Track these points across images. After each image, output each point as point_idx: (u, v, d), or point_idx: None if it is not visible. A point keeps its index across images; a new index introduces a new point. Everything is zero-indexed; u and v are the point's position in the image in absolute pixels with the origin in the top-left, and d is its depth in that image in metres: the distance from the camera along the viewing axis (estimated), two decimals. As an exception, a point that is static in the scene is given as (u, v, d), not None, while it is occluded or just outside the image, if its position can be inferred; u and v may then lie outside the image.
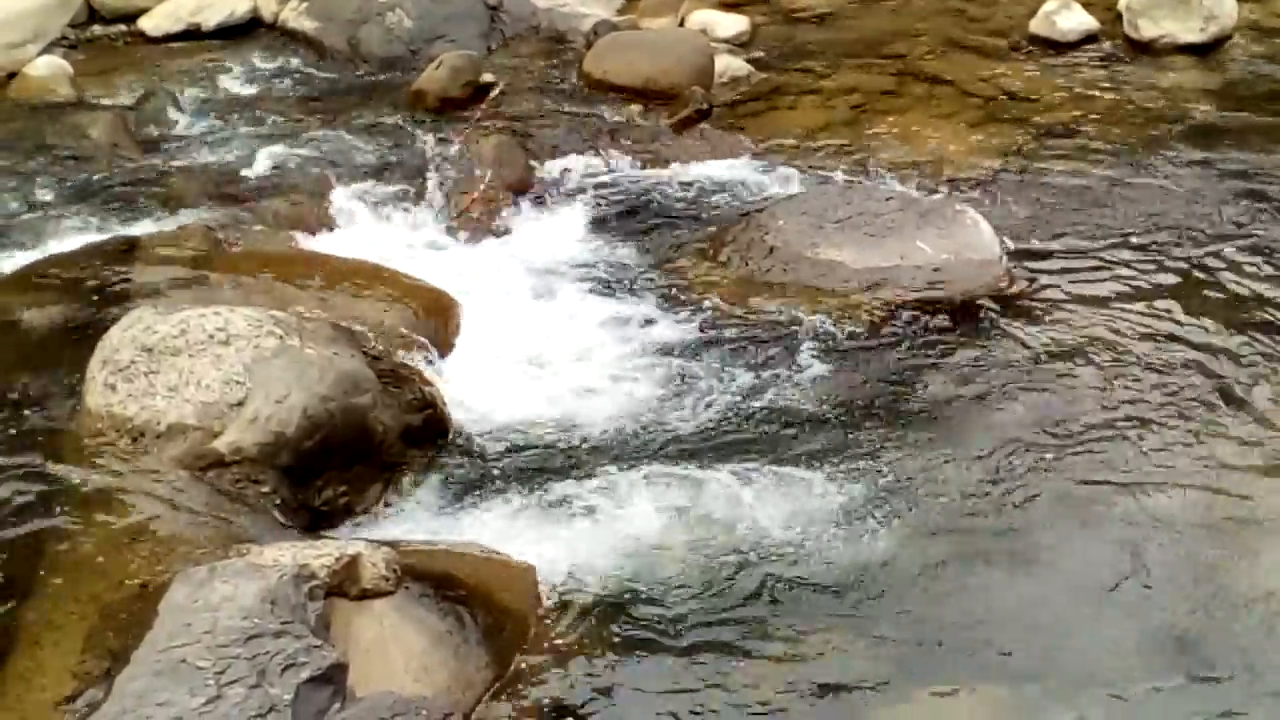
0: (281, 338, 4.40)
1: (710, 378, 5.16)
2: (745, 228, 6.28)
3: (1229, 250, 6.31)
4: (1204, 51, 9.05)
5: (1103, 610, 4.09)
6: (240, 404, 4.21)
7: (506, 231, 6.29)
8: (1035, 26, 9.29)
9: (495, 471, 4.60)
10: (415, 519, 4.38)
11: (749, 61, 8.65)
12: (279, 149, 6.93)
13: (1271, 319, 5.72)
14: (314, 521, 4.24)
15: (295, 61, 8.23)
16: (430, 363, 5.00)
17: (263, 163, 6.80)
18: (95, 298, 4.99)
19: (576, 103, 7.77)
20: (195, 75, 7.99)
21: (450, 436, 4.73)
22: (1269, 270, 6.13)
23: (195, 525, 3.87)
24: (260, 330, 4.41)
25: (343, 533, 4.21)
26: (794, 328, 5.54)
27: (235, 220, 6.07)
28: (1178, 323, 5.67)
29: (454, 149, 6.83)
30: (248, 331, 4.39)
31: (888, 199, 6.45)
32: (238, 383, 4.24)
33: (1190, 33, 9.11)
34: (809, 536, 4.30)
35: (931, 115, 7.97)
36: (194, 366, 4.27)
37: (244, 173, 6.71)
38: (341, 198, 6.31)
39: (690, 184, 6.88)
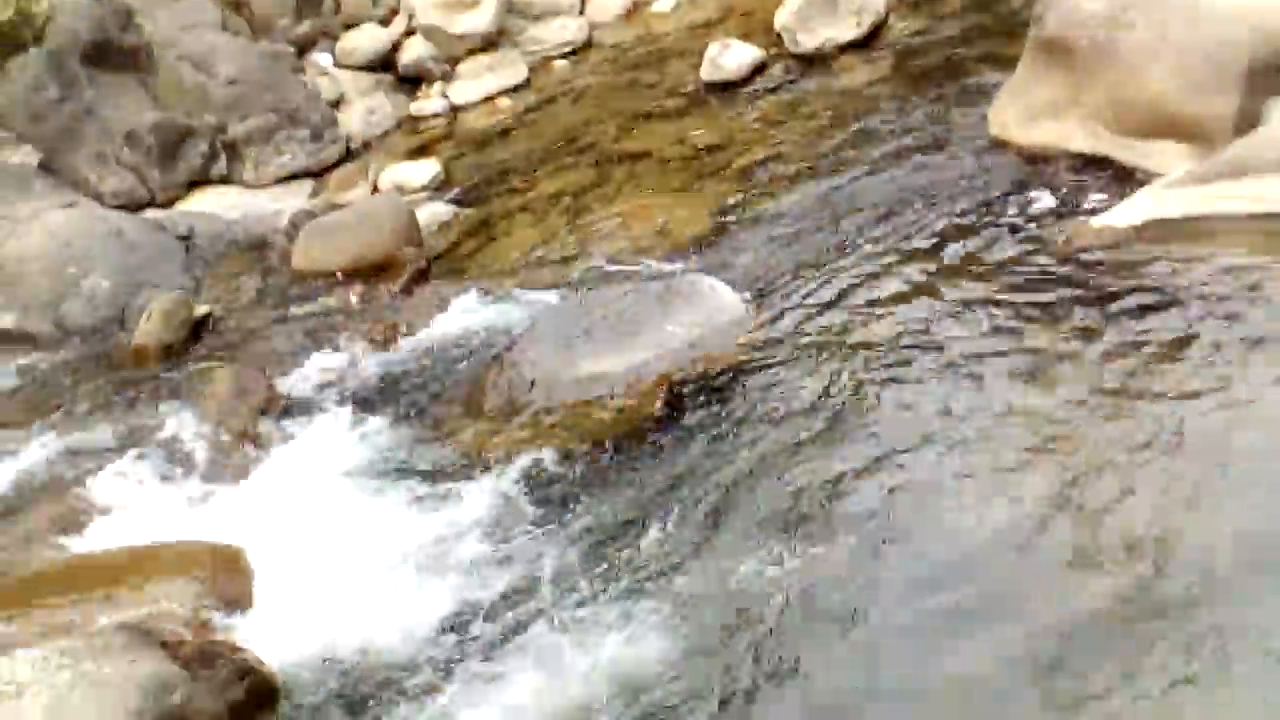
0: (73, 667, 4.17)
1: (515, 543, 5.03)
2: (501, 369, 6.22)
3: (936, 225, 6.49)
4: (866, 44, 9.40)
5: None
6: (52, 752, 3.99)
7: (270, 457, 6.11)
8: (705, 73, 9.52)
9: (341, 715, 4.42)
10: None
11: (452, 202, 8.66)
12: (21, 456, 6.63)
13: (1008, 291, 5.82)
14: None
15: (8, 361, 7.92)
16: (235, 625, 4.80)
17: (8, 475, 6.49)
18: None
19: (297, 302, 7.66)
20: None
21: (281, 694, 4.53)
22: (979, 232, 6.32)
23: None
24: (48, 668, 4.17)
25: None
26: (578, 452, 5.48)
27: (-4, 546, 5.80)
28: (929, 320, 5.74)
29: (191, 394, 6.64)
30: (38, 675, 4.15)
31: (625, 294, 6.47)
32: (44, 732, 4.01)
33: (847, 31, 9.47)
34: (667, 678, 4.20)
35: (639, 193, 8.07)
36: (-8, 732, 4.04)
37: (-8, 492, 6.42)
38: (94, 487, 6.06)
39: (434, 344, 6.81)
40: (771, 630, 4.21)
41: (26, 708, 4.04)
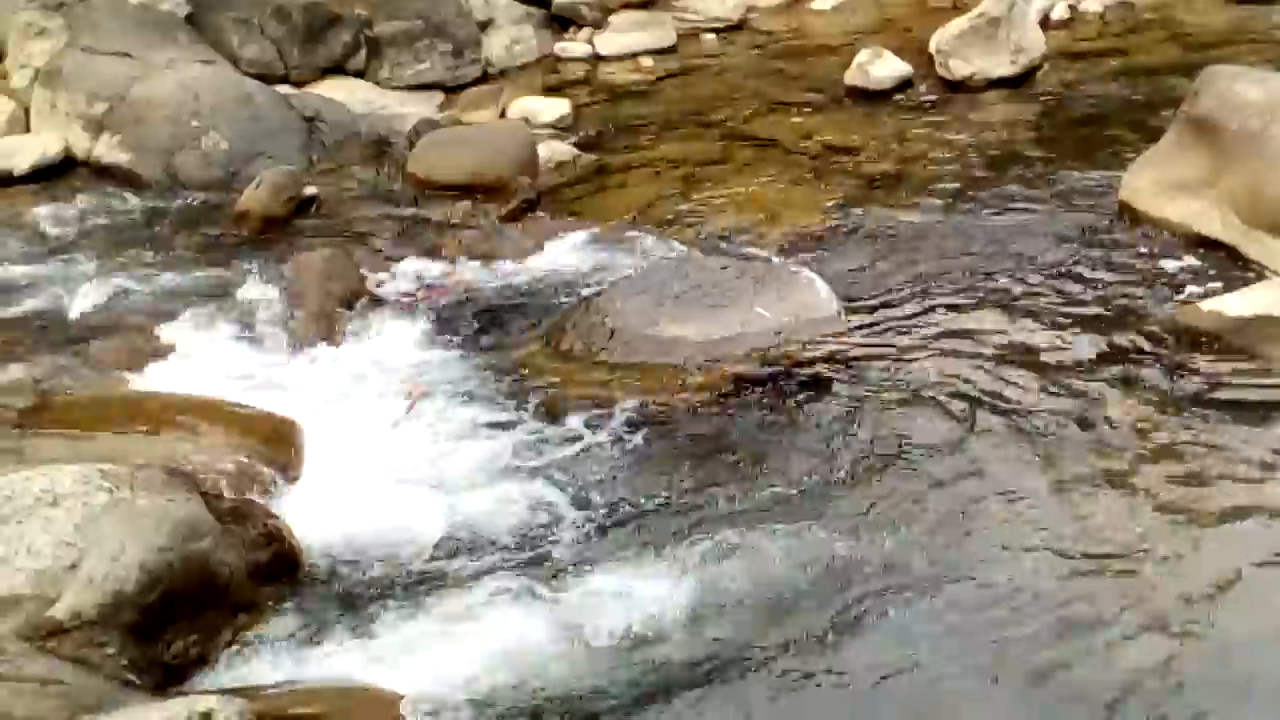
0: (112, 491, 4.22)
1: (565, 476, 5.05)
2: (585, 313, 6.23)
3: (1047, 276, 6.45)
4: (1016, 84, 9.32)
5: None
6: (74, 566, 4.03)
7: (344, 345, 6.17)
8: (850, 78, 9.46)
9: (354, 600, 4.44)
10: (273, 660, 4.19)
11: (574, 144, 8.68)
12: (103, 288, 6.75)
13: (1099, 337, 5.86)
14: (166, 677, 4.05)
15: (113, 197, 8.04)
16: (275, 494, 4.86)
17: (87, 304, 6.62)
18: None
19: (403, 205, 7.73)
20: (9, 222, 7.73)
21: (303, 569, 4.58)
22: (1088, 292, 6.26)
23: (39, 699, 3.69)
24: (89, 486, 4.23)
25: (197, 684, 4.05)
26: (645, 410, 5.48)
27: (61, 368, 5.90)
28: (1011, 362, 5.73)
29: (282, 267, 6.71)
30: (76, 489, 4.21)
31: (723, 268, 6.46)
32: (69, 545, 4.06)
33: (1001, 67, 9.36)
34: (683, 631, 4.21)
35: (759, 177, 8.05)
36: (23, 533, 4.08)
37: (69, 317, 6.52)
38: (170, 331, 6.17)
39: (525, 275, 6.84)
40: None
41: (59, 517, 4.11)
